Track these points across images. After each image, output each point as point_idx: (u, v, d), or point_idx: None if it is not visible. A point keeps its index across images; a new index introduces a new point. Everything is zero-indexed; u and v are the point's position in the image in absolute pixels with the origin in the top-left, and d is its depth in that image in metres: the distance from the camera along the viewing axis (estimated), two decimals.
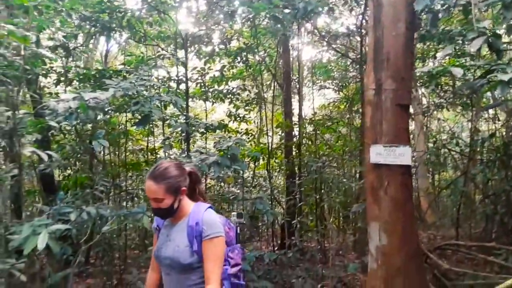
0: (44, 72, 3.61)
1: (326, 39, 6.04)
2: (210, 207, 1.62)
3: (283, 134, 6.58)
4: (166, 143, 4.13)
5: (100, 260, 5.03)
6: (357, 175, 6.60)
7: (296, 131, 6.65)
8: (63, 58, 3.45)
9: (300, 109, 6.80)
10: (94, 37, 4.66)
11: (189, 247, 1.51)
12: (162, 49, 4.59)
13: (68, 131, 4.66)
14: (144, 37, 4.61)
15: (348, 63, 7.22)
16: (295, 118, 6.76)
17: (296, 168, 6.15)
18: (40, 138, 3.82)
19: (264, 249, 6.25)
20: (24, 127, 3.10)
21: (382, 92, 2.72)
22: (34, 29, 3.72)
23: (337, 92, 7.75)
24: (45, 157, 2.19)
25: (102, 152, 5.22)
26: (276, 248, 5.96)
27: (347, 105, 7.17)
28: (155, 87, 3.87)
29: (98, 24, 3.82)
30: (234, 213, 2.02)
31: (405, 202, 2.77)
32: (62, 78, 3.96)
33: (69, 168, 5.25)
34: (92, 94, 2.14)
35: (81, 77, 3.75)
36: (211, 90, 5.81)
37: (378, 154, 2.66)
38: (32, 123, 3.35)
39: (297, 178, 6.11)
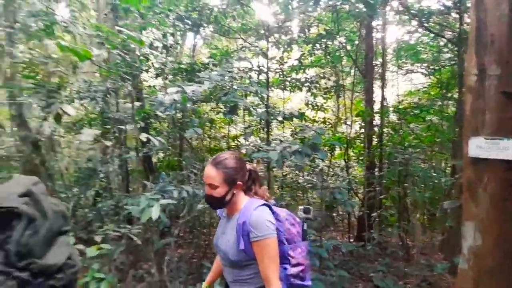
0: (146, 68, 4.15)
1: (417, 18, 5.49)
2: (263, 204, 1.53)
3: (363, 123, 6.31)
4: (247, 131, 4.38)
5: (189, 234, 5.67)
6: (448, 170, 5.99)
7: (377, 120, 6.31)
8: (161, 54, 3.92)
9: (383, 96, 6.39)
10: (184, 33, 5.14)
11: (237, 244, 1.48)
12: (245, 40, 4.81)
13: (164, 119, 5.29)
14: (228, 31, 4.88)
15: (442, 43, 6.45)
16: (376, 106, 6.41)
17: (376, 159, 5.87)
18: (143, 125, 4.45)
19: (339, 239, 6.20)
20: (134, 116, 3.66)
21: (485, 78, 2.42)
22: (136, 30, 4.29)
23: (428, 77, 7.01)
24: (156, 142, 2.57)
25: (191, 139, 5.79)
26: (351, 240, 5.86)
27: (440, 91, 6.46)
28: (237, 78, 4.11)
29: (189, 22, 4.19)
30: (301, 207, 1.91)
31: (506, 201, 2.47)
32: (159, 72, 4.50)
33: (162, 152, 5.97)
34: (192, 87, 2.43)
35: (175, 71, 4.20)
36: (288, 79, 5.87)
37: (478, 147, 2.40)
38: (138, 112, 3.93)
39: (377, 170, 5.84)
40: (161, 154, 6.43)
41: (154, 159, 6.45)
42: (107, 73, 3.16)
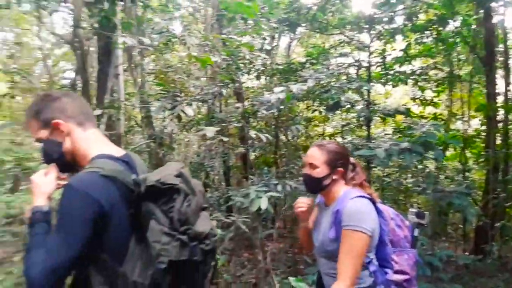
0: (247, 70, 4.45)
1: None
2: (364, 197, 1.42)
3: (484, 119, 5.40)
4: (345, 128, 4.26)
5: (283, 228, 5.84)
6: None
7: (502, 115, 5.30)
8: (261, 56, 4.15)
9: (507, 87, 5.33)
10: (280, 34, 5.32)
11: (330, 233, 1.41)
12: (344, 35, 4.68)
13: (261, 118, 5.57)
14: (326, 27, 4.82)
15: None
16: (501, 99, 5.39)
17: (501, 161, 4.96)
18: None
19: (451, 250, 5.48)
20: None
21: None
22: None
23: None
24: (264, 139, 2.76)
25: (285, 136, 5.95)
26: (467, 253, 5.10)
27: None
28: (337, 74, 4.05)
29: (287, 22, 4.33)
30: (413, 210, 1.71)
31: None
32: (259, 73, 4.76)
33: (258, 149, 6.28)
34: (296, 86, 2.52)
35: (274, 71, 4.40)
36: (391, 72, 5.43)
37: None
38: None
39: (500, 173, 4.93)
40: (256, 152, 6.77)
41: (251, 156, 6.85)
42: (223, 77, 3.54)
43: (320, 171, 1.47)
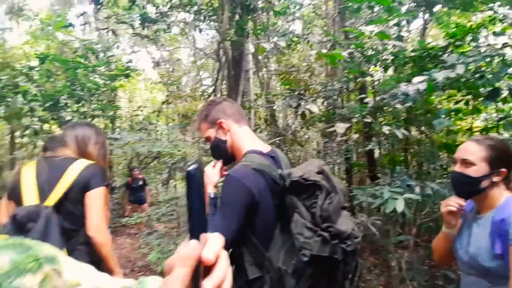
0: (375, 61, 4.13)
1: None
2: None
3: None
4: (503, 122, 3.44)
5: (416, 236, 5.20)
6: None
7: None
8: (391, 44, 3.79)
9: None
10: (414, 18, 4.72)
11: (490, 247, 1.18)
12: (495, 11, 3.78)
13: (389, 112, 5.10)
14: (471, 3, 4.02)
15: None
16: None
17: None
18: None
19: None
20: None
21: None
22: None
23: None
24: (400, 135, 2.54)
25: (418, 130, 5.27)
26: None
27: None
28: (491, 56, 3.31)
29: (424, 3, 3.81)
30: None
31: None
32: (388, 64, 4.36)
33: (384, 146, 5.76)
34: (442, 74, 2.19)
35: (406, 60, 3.94)
36: None
37: None
38: (363, 107, 4.01)
39: None
40: (382, 149, 6.23)
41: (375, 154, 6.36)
42: (352, 71, 3.44)
43: (478, 170, 1.23)
